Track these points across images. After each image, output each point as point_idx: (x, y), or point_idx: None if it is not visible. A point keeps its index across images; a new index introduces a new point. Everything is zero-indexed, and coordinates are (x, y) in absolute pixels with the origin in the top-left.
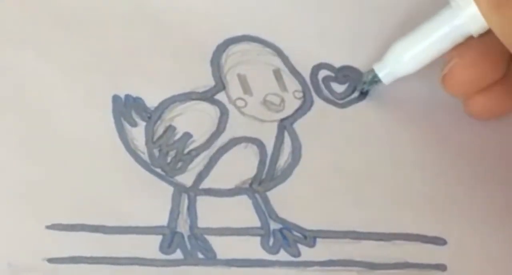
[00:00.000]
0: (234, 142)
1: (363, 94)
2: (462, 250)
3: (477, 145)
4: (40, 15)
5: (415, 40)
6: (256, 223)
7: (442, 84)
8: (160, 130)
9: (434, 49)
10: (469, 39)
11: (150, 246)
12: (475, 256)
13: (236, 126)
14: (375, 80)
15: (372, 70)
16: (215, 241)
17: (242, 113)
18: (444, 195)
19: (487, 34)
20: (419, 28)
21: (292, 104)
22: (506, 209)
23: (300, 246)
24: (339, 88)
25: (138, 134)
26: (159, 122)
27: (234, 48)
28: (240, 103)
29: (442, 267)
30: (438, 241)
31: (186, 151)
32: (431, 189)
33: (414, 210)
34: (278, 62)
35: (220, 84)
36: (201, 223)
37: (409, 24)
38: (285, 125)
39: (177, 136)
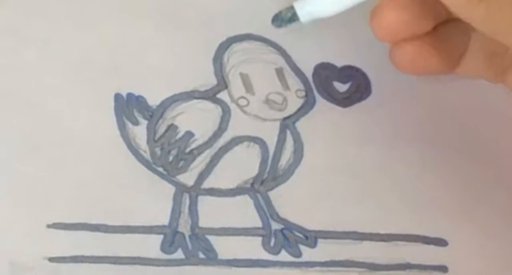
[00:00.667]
0: (236, 141)
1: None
2: (464, 252)
3: (479, 146)
4: (42, 13)
5: None
6: (258, 223)
7: (370, 25)
8: (162, 129)
9: None
10: None
11: (151, 245)
12: (476, 257)
13: (238, 125)
14: (294, 18)
15: (292, 8)
16: (216, 241)
17: (244, 112)
18: (446, 196)
19: None
20: None
21: (295, 103)
22: (508, 211)
23: (301, 246)
24: (341, 87)
25: (140, 133)
26: (161, 121)
27: (236, 47)
28: (242, 102)
29: (443, 268)
30: (440, 242)
31: (187, 149)
32: (432, 190)
33: (415, 211)
34: (280, 61)
35: (222, 83)
36: (203, 222)
37: None
38: (287, 124)
39: (179, 135)
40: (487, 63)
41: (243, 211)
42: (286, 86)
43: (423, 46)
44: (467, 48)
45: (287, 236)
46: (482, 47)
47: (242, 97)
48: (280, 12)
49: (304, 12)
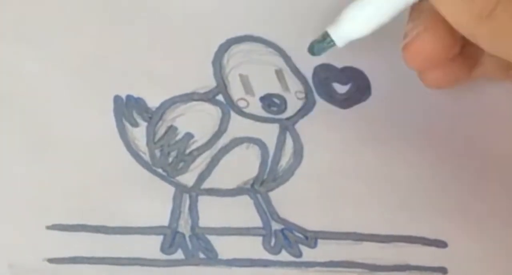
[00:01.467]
0: (236, 142)
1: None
2: (463, 253)
3: (479, 147)
4: (41, 14)
5: (368, 0)
6: (258, 223)
7: (403, 54)
8: (161, 130)
9: (388, 9)
10: (432, 12)
11: (151, 246)
12: (476, 259)
13: (237, 127)
14: (331, 44)
15: (326, 33)
16: (216, 241)
17: (244, 113)
18: (446, 197)
19: None
20: None
21: (294, 104)
22: (508, 212)
23: (301, 246)
24: (341, 89)
25: (139, 134)
26: (160, 122)
27: (236, 48)
28: (242, 103)
29: (443, 269)
30: (439, 243)
31: (187, 151)
32: (432, 191)
33: (415, 212)
34: (280, 63)
35: (222, 85)
36: (203, 222)
37: None
38: (287, 125)
39: (179, 137)
40: (502, 63)
41: (243, 211)
42: (285, 88)
43: (455, 68)
44: (482, 54)
45: (287, 236)
46: None
47: (242, 98)
48: (315, 40)
49: (338, 35)
